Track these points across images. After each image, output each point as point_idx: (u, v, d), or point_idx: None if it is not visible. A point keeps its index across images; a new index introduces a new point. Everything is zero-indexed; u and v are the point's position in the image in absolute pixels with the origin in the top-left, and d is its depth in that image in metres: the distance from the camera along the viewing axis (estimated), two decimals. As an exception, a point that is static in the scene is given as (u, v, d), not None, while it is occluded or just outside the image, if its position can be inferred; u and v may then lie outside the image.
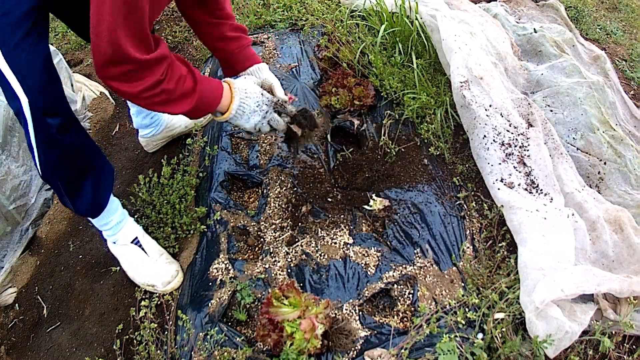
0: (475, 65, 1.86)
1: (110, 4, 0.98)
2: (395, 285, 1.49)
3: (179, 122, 1.99)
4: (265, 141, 1.97)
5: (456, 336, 1.29)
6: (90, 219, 1.52)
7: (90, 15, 1.01)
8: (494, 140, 1.73)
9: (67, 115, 1.23)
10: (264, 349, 1.34)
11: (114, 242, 1.57)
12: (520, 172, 1.65)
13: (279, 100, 1.50)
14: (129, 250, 1.56)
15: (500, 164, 1.67)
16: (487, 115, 1.77)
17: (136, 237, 1.57)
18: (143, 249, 1.56)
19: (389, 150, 1.83)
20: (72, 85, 2.18)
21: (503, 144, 1.72)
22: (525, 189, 1.60)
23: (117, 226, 1.54)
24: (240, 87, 1.40)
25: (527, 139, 1.72)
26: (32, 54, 1.11)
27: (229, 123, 1.52)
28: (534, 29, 2.34)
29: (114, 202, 1.52)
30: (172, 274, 1.54)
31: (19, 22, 1.08)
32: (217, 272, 1.57)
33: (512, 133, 1.74)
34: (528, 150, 1.69)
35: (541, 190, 1.59)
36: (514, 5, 2.72)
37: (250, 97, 1.41)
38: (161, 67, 1.14)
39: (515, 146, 1.71)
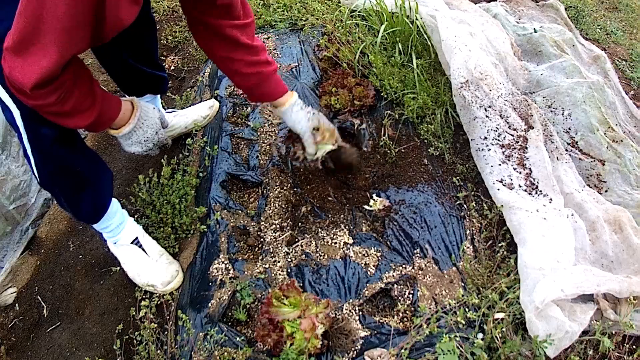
0: (475, 66, 1.87)
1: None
2: (395, 285, 1.49)
3: (179, 123, 1.99)
4: (266, 141, 1.97)
5: (456, 336, 1.29)
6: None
7: None
8: (493, 141, 1.73)
9: (59, 128, 1.17)
10: (264, 349, 1.34)
11: (115, 243, 1.57)
12: (520, 173, 1.65)
13: (167, 143, 1.45)
14: (129, 251, 1.56)
15: (500, 165, 1.67)
16: (487, 117, 1.77)
17: (136, 238, 1.57)
18: (143, 249, 1.56)
19: (389, 151, 1.83)
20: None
21: (503, 146, 1.72)
22: (525, 190, 1.60)
23: (117, 228, 1.54)
24: (142, 116, 1.30)
25: (527, 140, 1.73)
26: None
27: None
28: (534, 29, 2.34)
29: (113, 205, 1.51)
30: (172, 274, 1.54)
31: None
32: (217, 272, 1.57)
33: (511, 135, 1.75)
34: (527, 152, 1.69)
35: (540, 191, 1.59)
36: (514, 5, 2.72)
37: (145, 129, 1.32)
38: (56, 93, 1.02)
39: (515, 148, 1.71)
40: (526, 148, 1.71)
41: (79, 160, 1.30)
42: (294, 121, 1.58)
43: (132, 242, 1.56)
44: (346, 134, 1.99)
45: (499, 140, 1.73)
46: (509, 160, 1.68)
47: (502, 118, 1.79)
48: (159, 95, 1.87)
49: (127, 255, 1.56)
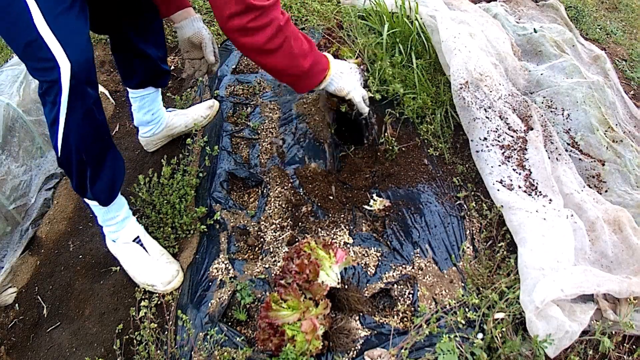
0: (475, 67, 1.87)
1: None
2: (395, 285, 1.49)
3: (179, 122, 1.99)
4: (266, 141, 1.97)
5: (456, 336, 1.29)
6: (96, 212, 1.52)
7: None
8: (493, 142, 1.73)
9: (98, 91, 1.24)
10: (264, 349, 1.34)
11: (114, 241, 1.57)
12: (519, 174, 1.65)
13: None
14: (130, 249, 1.56)
15: (499, 165, 1.67)
16: (487, 117, 1.78)
17: (138, 236, 1.57)
18: (144, 248, 1.56)
19: (390, 148, 1.83)
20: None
21: (502, 147, 1.72)
22: (525, 191, 1.60)
23: (122, 222, 1.54)
24: (331, 57, 1.55)
25: (526, 142, 1.73)
26: (76, 24, 1.13)
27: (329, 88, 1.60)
28: (534, 29, 2.34)
29: (121, 198, 1.53)
30: (172, 273, 1.54)
31: None
32: (217, 272, 1.57)
33: (511, 136, 1.75)
34: (527, 153, 1.69)
35: (540, 192, 1.59)
36: (514, 5, 2.72)
37: (342, 63, 1.61)
38: (277, 9, 1.26)
39: (515, 149, 1.71)
40: (526, 149, 1.71)
41: (106, 124, 1.34)
42: (202, 27, 1.63)
43: (133, 241, 1.56)
44: (347, 125, 1.97)
45: (498, 141, 1.73)
46: (508, 161, 1.68)
47: (501, 119, 1.79)
48: (160, 93, 1.87)
49: (128, 254, 1.56)
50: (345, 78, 1.59)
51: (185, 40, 1.63)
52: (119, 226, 1.55)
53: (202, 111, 2.05)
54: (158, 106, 1.86)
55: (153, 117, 1.86)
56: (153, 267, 1.54)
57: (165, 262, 1.56)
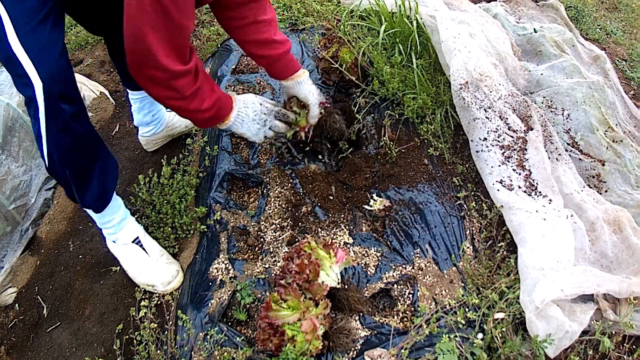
0: (474, 67, 1.86)
1: (146, 15, 1.05)
2: (395, 285, 1.49)
3: (180, 122, 1.99)
4: (266, 140, 1.97)
5: (456, 336, 1.30)
6: (92, 216, 1.52)
7: (125, 22, 1.09)
8: (493, 142, 1.73)
9: (79, 103, 1.24)
10: (264, 349, 1.34)
11: (114, 242, 1.57)
12: (519, 174, 1.65)
13: (280, 110, 1.60)
14: (129, 250, 1.56)
15: (499, 166, 1.67)
16: (487, 117, 1.78)
17: (137, 237, 1.57)
18: (144, 249, 1.56)
19: (389, 151, 1.83)
20: (72, 85, 2.17)
21: (502, 147, 1.72)
22: (525, 191, 1.60)
23: (119, 225, 1.54)
24: (239, 99, 1.51)
25: (526, 142, 1.73)
26: (48, 40, 1.12)
27: (230, 130, 1.58)
28: (534, 29, 2.34)
29: (117, 200, 1.53)
30: (172, 274, 1.54)
31: (34, 9, 1.10)
32: (217, 272, 1.57)
33: (511, 136, 1.75)
34: (527, 154, 1.69)
35: (540, 192, 1.59)
36: (514, 5, 2.72)
37: (249, 107, 1.51)
38: (186, 79, 1.23)
39: (514, 149, 1.71)
40: (525, 149, 1.71)
41: (90, 137, 1.33)
42: (308, 91, 1.66)
43: (132, 242, 1.56)
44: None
45: (498, 141, 1.73)
46: (508, 162, 1.68)
47: (501, 119, 1.79)
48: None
49: (127, 255, 1.56)
50: (245, 125, 1.54)
51: (292, 96, 1.70)
52: (117, 228, 1.54)
53: (202, 111, 2.05)
54: (158, 107, 1.87)
55: (153, 118, 1.86)
56: (153, 268, 1.54)
57: (165, 263, 1.56)
